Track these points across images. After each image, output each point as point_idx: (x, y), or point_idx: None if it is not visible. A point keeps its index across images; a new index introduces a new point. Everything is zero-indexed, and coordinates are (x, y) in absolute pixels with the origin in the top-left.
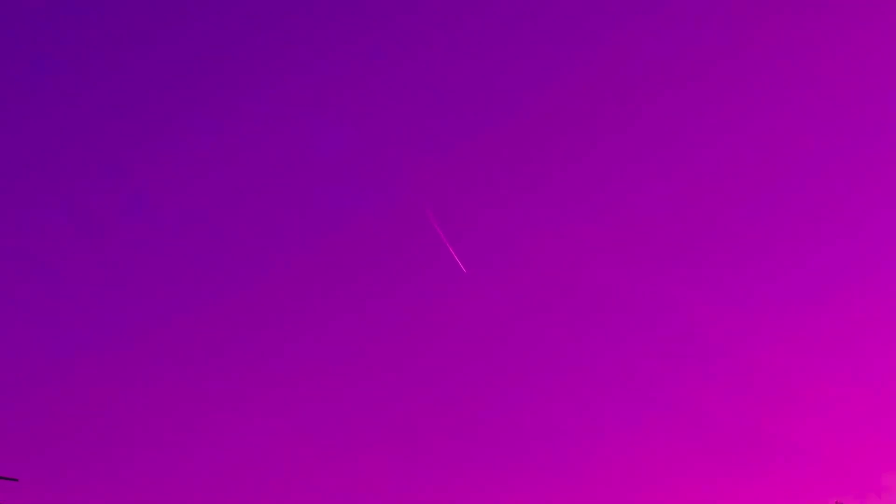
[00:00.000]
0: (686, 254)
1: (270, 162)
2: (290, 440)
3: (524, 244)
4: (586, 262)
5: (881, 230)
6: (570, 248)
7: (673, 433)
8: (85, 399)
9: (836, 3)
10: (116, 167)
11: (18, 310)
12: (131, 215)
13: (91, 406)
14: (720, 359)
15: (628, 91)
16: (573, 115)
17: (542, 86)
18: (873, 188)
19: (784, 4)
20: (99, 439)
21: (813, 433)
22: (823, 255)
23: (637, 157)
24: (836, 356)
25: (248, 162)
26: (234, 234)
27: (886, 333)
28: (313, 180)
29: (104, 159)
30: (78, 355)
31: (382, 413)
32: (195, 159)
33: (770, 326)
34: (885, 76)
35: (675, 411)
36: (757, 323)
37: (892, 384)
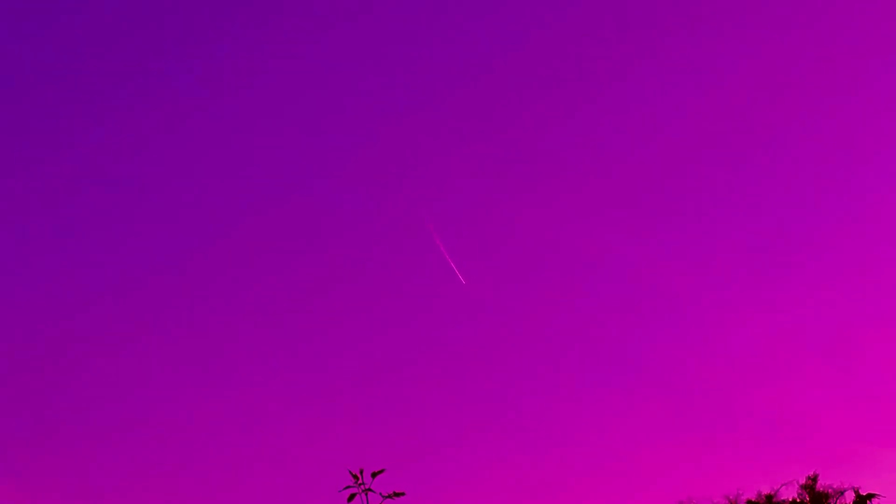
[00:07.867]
0: (656, 215)
1: (264, 162)
2: (290, 447)
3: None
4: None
5: (863, 201)
6: (526, 207)
7: (646, 402)
8: None
9: None
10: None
11: None
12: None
13: None
14: (692, 327)
15: (600, 50)
16: (544, 74)
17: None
18: (847, 143)
19: None
20: None
21: (783, 403)
22: (801, 216)
23: (605, 116)
24: (809, 326)
25: (239, 159)
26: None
27: (863, 305)
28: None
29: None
30: None
31: (383, 412)
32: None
33: (742, 295)
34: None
35: (648, 379)
36: (730, 290)
37: (867, 355)
